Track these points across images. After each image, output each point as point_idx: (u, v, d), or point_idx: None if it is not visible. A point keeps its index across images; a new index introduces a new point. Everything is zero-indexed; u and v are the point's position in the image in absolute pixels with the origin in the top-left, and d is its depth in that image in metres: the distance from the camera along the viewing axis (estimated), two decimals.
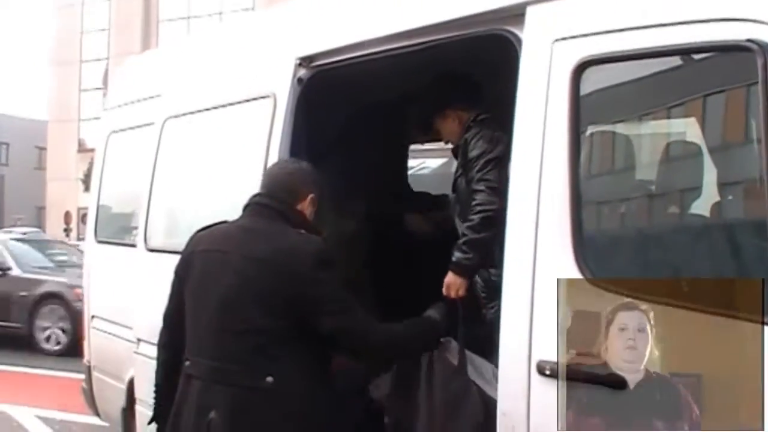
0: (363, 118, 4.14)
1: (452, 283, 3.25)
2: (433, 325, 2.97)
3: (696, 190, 2.39)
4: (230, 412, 2.53)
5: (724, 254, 2.28)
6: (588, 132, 2.48)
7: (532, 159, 2.52)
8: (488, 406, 2.81)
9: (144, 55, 7.40)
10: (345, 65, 3.54)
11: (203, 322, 2.66)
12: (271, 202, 2.78)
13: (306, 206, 2.84)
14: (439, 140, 4.47)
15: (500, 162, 3.14)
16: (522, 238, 2.52)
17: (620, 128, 2.52)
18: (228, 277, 2.62)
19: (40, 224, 33.53)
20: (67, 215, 30.78)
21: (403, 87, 3.95)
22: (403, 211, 4.32)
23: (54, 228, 30.63)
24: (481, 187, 3.21)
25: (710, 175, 2.39)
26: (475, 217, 3.18)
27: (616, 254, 2.51)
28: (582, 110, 2.44)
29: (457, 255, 3.25)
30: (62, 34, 36.52)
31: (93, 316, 5.59)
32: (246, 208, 2.83)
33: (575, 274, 2.36)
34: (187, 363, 2.68)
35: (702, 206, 2.39)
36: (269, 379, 2.52)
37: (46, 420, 7.48)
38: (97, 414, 5.84)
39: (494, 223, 3.07)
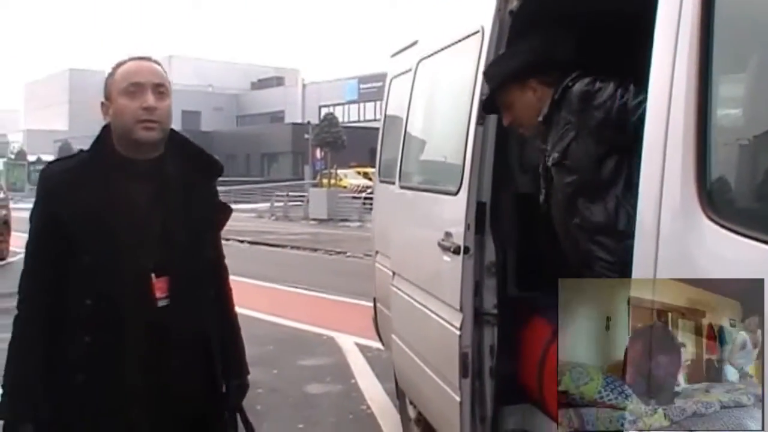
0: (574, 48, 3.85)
1: None
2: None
3: None
4: None
5: None
6: (720, 56, 2.08)
7: (662, 90, 2.20)
8: None
9: None
10: None
11: None
12: None
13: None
14: None
15: None
16: (650, 176, 2.23)
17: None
18: None
19: None
20: None
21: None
22: None
23: None
24: None
25: None
26: None
27: (746, 192, 2.12)
28: (715, 31, 2.06)
29: None
30: None
31: (376, 252, 6.00)
32: None
33: (696, 212, 2.05)
34: None
35: None
36: None
37: (362, 347, 8.22)
38: (383, 344, 6.29)
39: None
